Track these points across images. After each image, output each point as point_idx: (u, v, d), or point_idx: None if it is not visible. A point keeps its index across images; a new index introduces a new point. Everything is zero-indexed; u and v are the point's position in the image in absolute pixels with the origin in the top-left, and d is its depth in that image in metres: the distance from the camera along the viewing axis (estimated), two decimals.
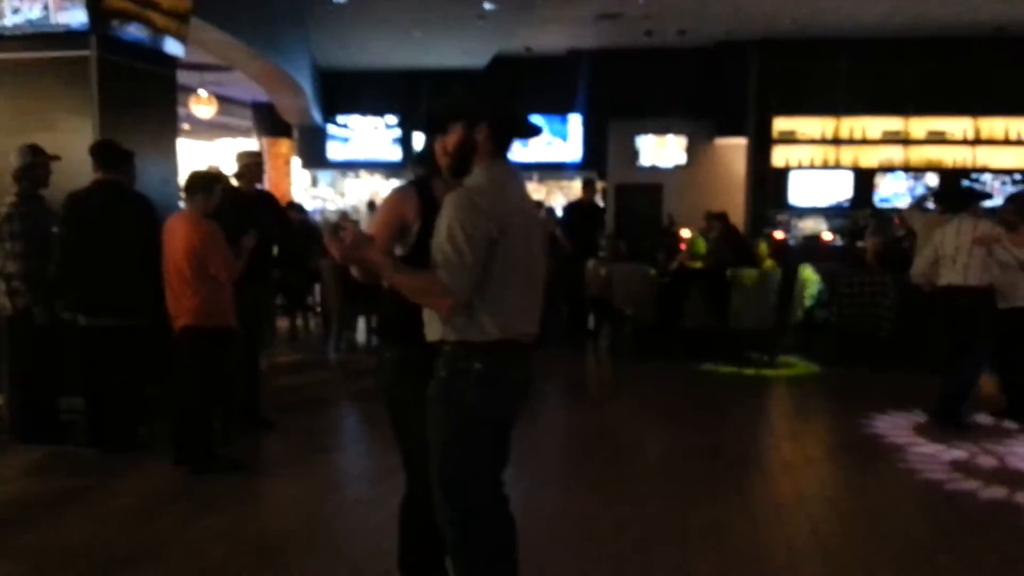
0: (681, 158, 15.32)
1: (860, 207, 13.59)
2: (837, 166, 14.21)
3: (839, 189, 14.12)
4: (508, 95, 2.94)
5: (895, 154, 14.13)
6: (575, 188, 16.16)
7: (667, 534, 4.30)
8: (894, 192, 13.96)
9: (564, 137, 16.06)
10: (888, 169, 14.09)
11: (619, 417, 6.80)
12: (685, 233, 12.09)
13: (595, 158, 15.60)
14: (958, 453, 5.68)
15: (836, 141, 14.24)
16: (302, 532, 4.26)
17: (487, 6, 11.42)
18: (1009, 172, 13.74)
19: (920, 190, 13.71)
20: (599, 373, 8.84)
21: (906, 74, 13.75)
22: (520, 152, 16.02)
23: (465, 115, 2.77)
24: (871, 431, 6.22)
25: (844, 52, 13.77)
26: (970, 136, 13.94)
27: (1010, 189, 13.41)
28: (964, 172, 13.82)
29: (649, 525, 4.40)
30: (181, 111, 9.22)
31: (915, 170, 13.99)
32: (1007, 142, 13.88)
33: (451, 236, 2.63)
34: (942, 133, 14.01)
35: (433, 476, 2.82)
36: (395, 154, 16.74)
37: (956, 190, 8.53)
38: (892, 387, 7.63)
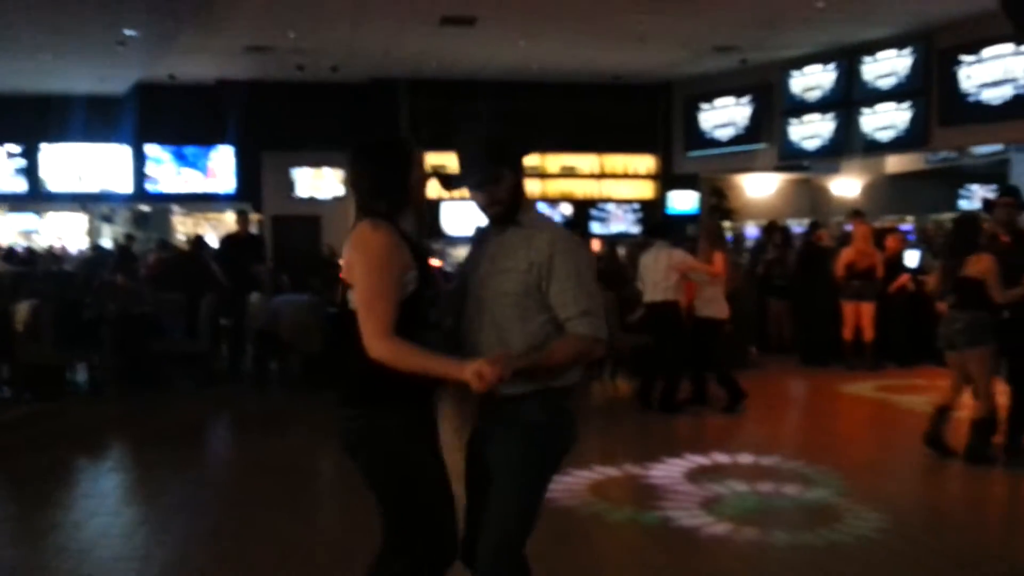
0: (339, 190, 15.47)
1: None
2: None
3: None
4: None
5: (534, 187, 15.42)
6: (225, 220, 15.70)
7: (365, 539, 4.36)
8: None
9: (203, 170, 15.47)
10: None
11: (295, 448, 6.72)
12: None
13: (249, 190, 15.24)
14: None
15: None
16: None
17: (128, 32, 10.79)
18: (628, 201, 15.62)
19: (557, 218, 15.10)
20: (269, 406, 8.62)
21: (543, 114, 15.05)
22: (166, 183, 15.26)
23: (515, 159, 2.69)
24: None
25: (486, 93, 14.74)
26: (596, 171, 15.64)
27: (631, 216, 15.28)
28: (592, 202, 15.45)
29: (335, 545, 4.44)
30: None
31: (552, 200, 15.38)
32: (626, 176, 15.77)
33: (586, 281, 2.60)
34: (573, 168, 15.58)
35: (509, 529, 2.59)
36: (19, 185, 15.14)
37: (660, 222, 9.91)
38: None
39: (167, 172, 15.39)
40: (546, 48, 12.70)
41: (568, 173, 15.55)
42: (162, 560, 4.33)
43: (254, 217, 14.93)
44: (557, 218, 15.05)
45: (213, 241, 13.21)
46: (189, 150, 15.40)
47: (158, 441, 6.89)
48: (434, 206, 14.95)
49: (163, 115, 14.56)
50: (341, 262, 2.67)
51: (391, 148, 2.74)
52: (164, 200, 15.56)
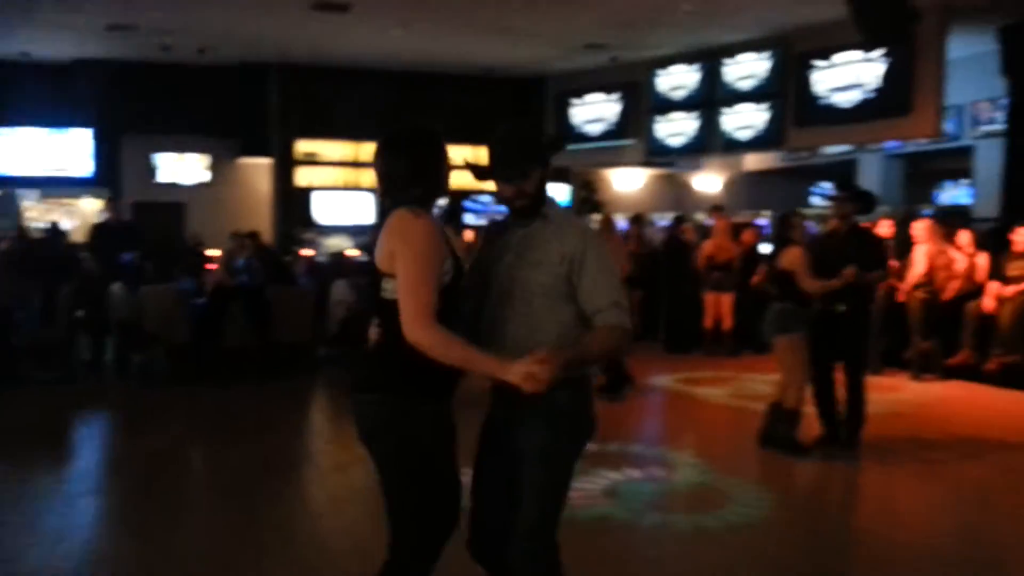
0: (204, 176, 15.02)
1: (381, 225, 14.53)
2: (358, 187, 15.08)
3: (361, 208, 14.99)
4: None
5: None
6: (80, 207, 14.98)
7: (240, 540, 4.34)
8: None
9: (58, 153, 14.66)
10: None
11: (167, 442, 6.56)
12: (213, 252, 11.92)
13: (108, 175, 14.57)
14: None
15: (356, 164, 15.12)
16: None
17: None
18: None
19: (434, 210, 15.13)
20: (132, 399, 8.33)
21: (413, 104, 15.03)
22: (19, 166, 14.43)
23: (544, 158, 2.75)
24: None
25: (360, 81, 14.62)
26: (471, 160, 15.69)
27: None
28: (467, 193, 15.54)
29: (218, 536, 4.40)
30: None
31: None
32: None
33: (615, 274, 2.71)
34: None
35: (545, 513, 2.66)
36: None
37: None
38: None
39: (19, 155, 14.53)
40: (420, 38, 12.69)
41: None
42: (32, 563, 4.18)
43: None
44: (434, 210, 15.10)
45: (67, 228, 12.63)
46: (43, 132, 14.58)
47: (18, 438, 6.58)
48: (306, 195, 14.76)
49: (15, 95, 13.76)
50: (378, 251, 2.64)
51: (427, 137, 2.75)
52: (15, 184, 14.68)
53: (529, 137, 2.82)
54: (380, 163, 2.70)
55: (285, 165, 14.74)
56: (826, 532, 4.75)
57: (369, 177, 15.05)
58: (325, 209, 14.79)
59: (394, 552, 2.67)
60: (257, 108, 14.59)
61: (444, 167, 2.75)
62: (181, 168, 15.01)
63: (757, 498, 5.16)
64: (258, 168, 15.06)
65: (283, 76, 14.54)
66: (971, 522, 4.99)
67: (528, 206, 2.76)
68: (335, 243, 14.54)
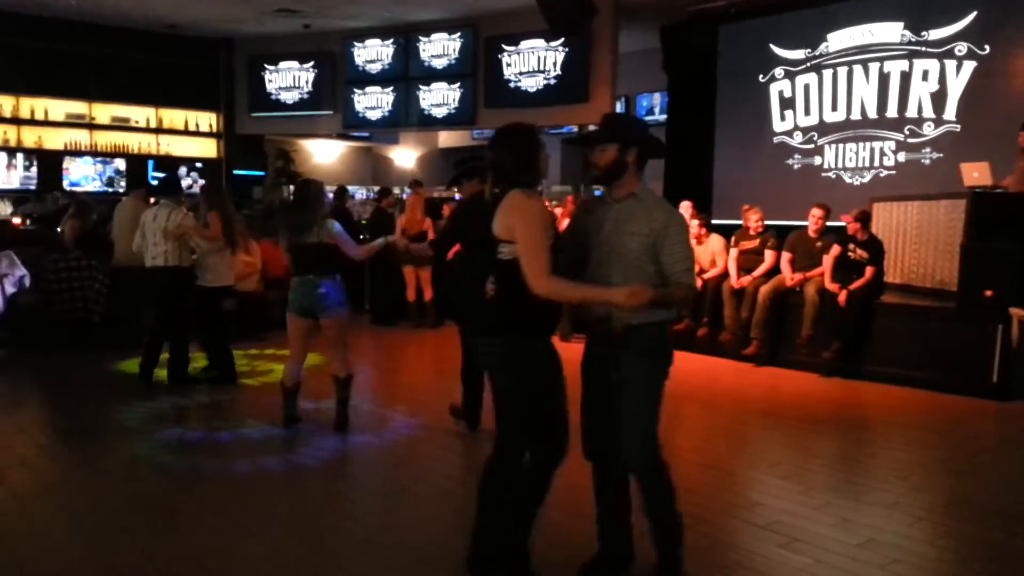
0: None
1: (50, 190, 13.24)
2: (20, 147, 13.58)
3: (24, 171, 13.54)
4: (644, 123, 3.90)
5: (81, 137, 14.12)
6: None
7: None
8: (84, 175, 13.98)
9: None
10: (76, 153, 14.02)
11: None
12: None
13: None
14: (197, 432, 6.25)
15: (16, 121, 13.59)
16: None
17: None
18: (191, 159, 14.97)
19: (110, 173, 14.06)
20: None
21: (88, 59, 13.81)
22: None
23: (622, 139, 3.34)
24: (109, 415, 6.36)
25: (18, 29, 13.14)
26: (153, 124, 14.74)
27: (192, 174, 14.70)
28: (150, 157, 14.57)
29: None
30: None
31: (103, 154, 14.22)
32: (187, 132, 15.07)
33: (689, 246, 3.37)
34: (126, 119, 14.51)
35: (650, 429, 3.38)
36: None
37: (167, 180, 9.54)
38: (113, 372, 7.84)
39: None
40: None
41: (121, 125, 14.46)
42: None
43: None
44: (109, 173, 14.05)
45: None
46: None
47: None
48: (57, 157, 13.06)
49: None
50: (496, 223, 3.23)
51: (530, 131, 3.37)
52: None
53: (620, 122, 3.58)
54: (496, 154, 3.33)
55: None
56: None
57: (32, 136, 13.63)
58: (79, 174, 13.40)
59: (503, 446, 3.41)
60: None
61: (542, 156, 3.37)
62: None
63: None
64: None
65: None
66: None
67: (599, 177, 3.42)
68: None
